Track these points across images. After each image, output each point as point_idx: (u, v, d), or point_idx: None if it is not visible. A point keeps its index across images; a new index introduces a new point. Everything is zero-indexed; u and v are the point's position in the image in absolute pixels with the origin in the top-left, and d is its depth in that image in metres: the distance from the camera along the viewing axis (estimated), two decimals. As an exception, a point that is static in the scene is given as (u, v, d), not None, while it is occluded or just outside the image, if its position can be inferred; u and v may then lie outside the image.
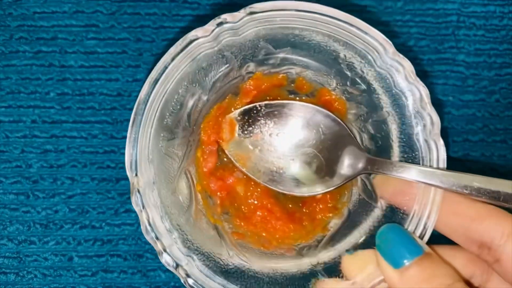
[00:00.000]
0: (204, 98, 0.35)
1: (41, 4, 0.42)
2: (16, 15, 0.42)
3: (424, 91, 0.33)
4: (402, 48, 0.43)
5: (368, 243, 0.35)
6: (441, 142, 0.33)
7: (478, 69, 0.43)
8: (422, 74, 0.43)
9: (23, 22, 0.42)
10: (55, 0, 0.42)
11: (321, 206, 0.37)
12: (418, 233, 0.33)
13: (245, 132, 0.37)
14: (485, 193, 0.31)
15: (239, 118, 0.37)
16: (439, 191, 0.33)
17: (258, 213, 0.36)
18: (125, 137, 0.41)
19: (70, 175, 0.42)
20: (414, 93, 0.33)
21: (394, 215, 0.34)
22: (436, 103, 0.43)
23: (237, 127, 0.37)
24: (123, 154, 0.42)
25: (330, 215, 0.37)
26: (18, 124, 0.42)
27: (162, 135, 0.34)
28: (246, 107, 0.36)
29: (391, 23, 0.43)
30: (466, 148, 0.43)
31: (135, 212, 0.41)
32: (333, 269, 0.35)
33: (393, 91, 0.34)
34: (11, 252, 0.41)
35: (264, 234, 0.36)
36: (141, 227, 0.33)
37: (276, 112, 0.36)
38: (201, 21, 0.42)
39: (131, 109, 0.41)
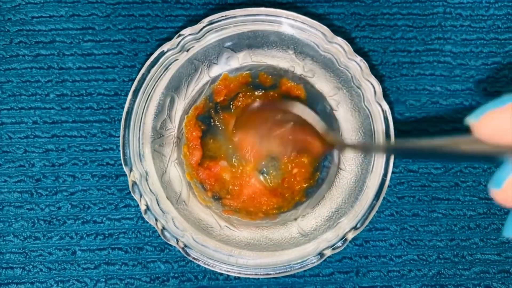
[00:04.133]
0: (182, 101, 0.41)
1: (38, 9, 0.44)
2: (15, 20, 0.43)
3: (363, 64, 0.39)
4: (390, 41, 0.44)
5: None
6: (385, 104, 0.40)
7: (465, 59, 0.44)
8: (410, 65, 0.44)
9: (22, 27, 0.43)
10: (52, 5, 0.43)
11: (298, 179, 0.42)
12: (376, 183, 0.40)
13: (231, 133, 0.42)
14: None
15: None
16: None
17: (244, 192, 0.42)
18: (121, 135, 0.43)
19: (71, 172, 0.43)
20: (355, 67, 0.39)
21: (362, 175, 0.41)
22: (424, 93, 0.44)
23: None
24: (121, 151, 0.43)
25: (306, 185, 0.42)
26: (20, 125, 0.43)
27: (150, 135, 0.40)
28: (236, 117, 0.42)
29: (379, 17, 0.44)
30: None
31: (134, 206, 0.43)
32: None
33: (338, 69, 0.40)
34: (17, 248, 0.43)
35: (251, 209, 0.42)
36: (141, 211, 0.38)
37: (252, 115, 0.42)
38: (193, 20, 0.44)
39: (127, 108, 0.43)
